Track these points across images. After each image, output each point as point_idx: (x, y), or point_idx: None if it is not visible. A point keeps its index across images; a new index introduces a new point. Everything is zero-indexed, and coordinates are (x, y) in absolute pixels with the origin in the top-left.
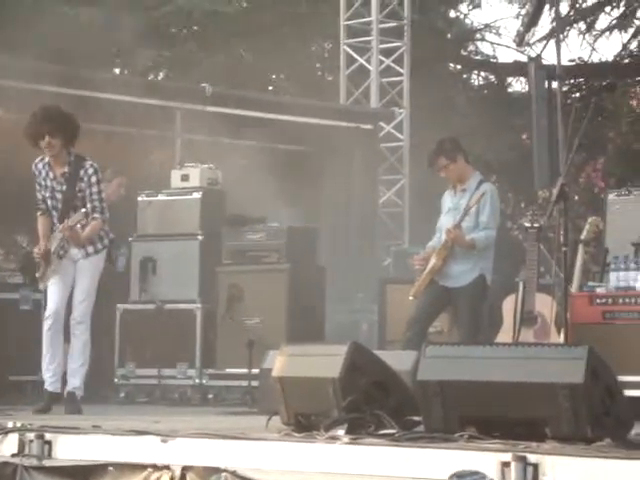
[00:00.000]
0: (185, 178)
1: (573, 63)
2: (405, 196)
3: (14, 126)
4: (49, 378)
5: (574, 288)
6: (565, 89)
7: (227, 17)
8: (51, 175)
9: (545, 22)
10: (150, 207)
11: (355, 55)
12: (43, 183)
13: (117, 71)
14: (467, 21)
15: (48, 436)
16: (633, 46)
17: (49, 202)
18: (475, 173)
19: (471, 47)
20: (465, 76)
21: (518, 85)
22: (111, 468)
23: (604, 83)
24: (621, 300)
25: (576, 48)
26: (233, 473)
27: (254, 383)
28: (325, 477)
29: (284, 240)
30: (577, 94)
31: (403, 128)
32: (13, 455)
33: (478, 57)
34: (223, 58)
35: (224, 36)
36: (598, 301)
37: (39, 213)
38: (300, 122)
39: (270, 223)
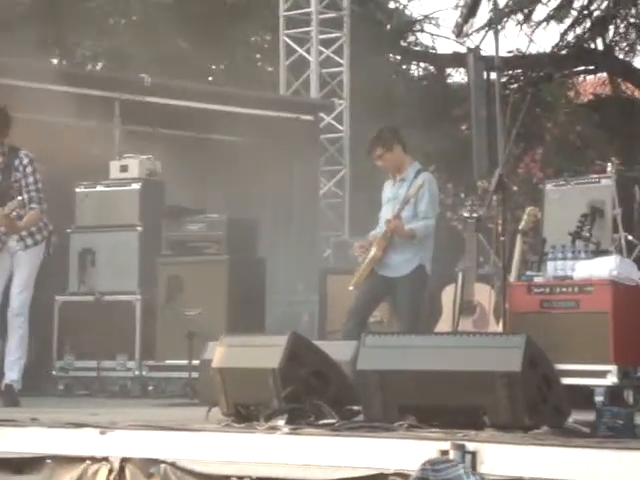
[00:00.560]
0: (124, 169)
1: (511, 54)
2: (345, 187)
3: None
4: None
5: (512, 277)
6: (503, 80)
7: (166, 7)
8: None
9: (483, 13)
10: (88, 198)
11: (295, 46)
12: None
13: (55, 61)
14: (406, 12)
15: None
16: (570, 37)
17: None
18: (413, 163)
19: (410, 38)
20: (405, 67)
21: (457, 76)
22: (49, 461)
23: (542, 74)
24: (558, 289)
25: (514, 39)
26: (172, 464)
27: (194, 374)
28: (265, 467)
29: (224, 231)
30: (515, 85)
31: (343, 119)
32: None
33: (417, 48)
34: (162, 49)
35: (163, 26)
36: (536, 290)
37: None
38: (240, 113)
39: (210, 214)
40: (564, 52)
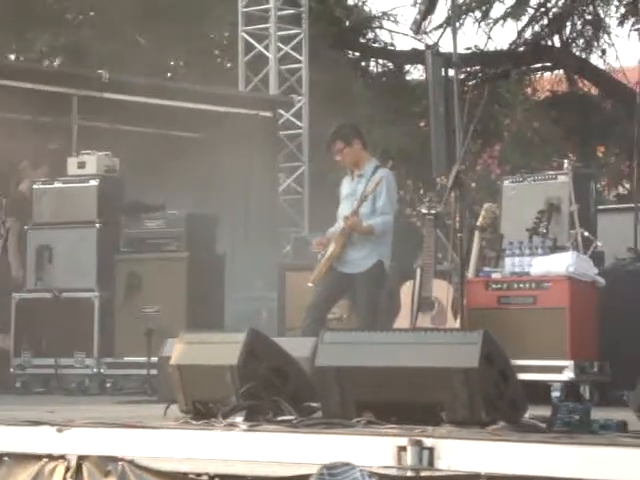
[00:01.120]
0: (82, 165)
1: (469, 51)
2: (305, 183)
3: None
4: None
5: (470, 274)
6: (462, 77)
7: (124, 3)
8: None
9: (441, 10)
10: (46, 195)
11: (254, 42)
12: None
13: (12, 57)
14: (365, 9)
15: None
16: (527, 34)
17: None
18: (372, 159)
19: (369, 35)
20: (363, 63)
21: (416, 73)
22: (6, 458)
23: (499, 71)
24: (516, 285)
25: (472, 36)
26: (130, 462)
27: (153, 371)
28: (224, 464)
29: (183, 228)
30: (473, 82)
31: (302, 115)
32: None
33: (376, 45)
34: (120, 44)
35: (121, 22)
36: (493, 286)
37: None
38: (199, 109)
39: (169, 211)
40: (521, 49)
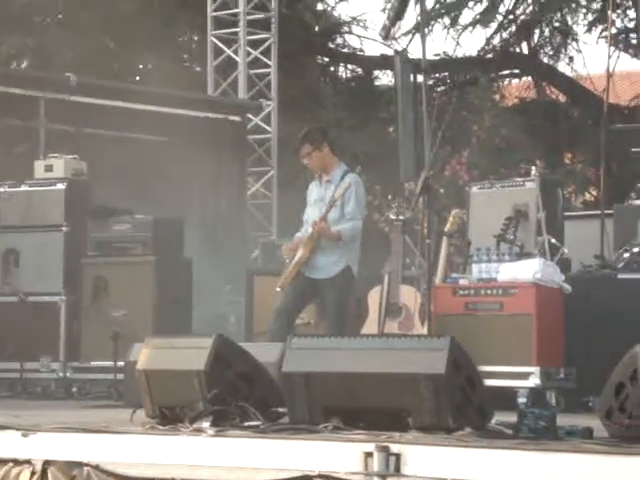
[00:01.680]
0: (49, 169)
1: (438, 57)
2: (273, 188)
3: None
4: None
5: (438, 279)
6: (430, 83)
7: (92, 5)
8: None
9: (411, 16)
10: (13, 198)
11: (223, 46)
12: None
13: None
14: (334, 14)
15: None
16: (496, 41)
17: None
18: (340, 164)
19: (338, 40)
20: (333, 69)
21: (385, 78)
22: None
23: (468, 77)
24: (483, 291)
25: (441, 42)
26: (96, 467)
27: (119, 376)
28: (190, 469)
29: (150, 232)
30: (442, 88)
31: (271, 120)
32: None
33: (345, 50)
34: (89, 47)
35: (89, 25)
36: (461, 292)
37: None
38: (167, 113)
39: (136, 215)
40: (490, 56)
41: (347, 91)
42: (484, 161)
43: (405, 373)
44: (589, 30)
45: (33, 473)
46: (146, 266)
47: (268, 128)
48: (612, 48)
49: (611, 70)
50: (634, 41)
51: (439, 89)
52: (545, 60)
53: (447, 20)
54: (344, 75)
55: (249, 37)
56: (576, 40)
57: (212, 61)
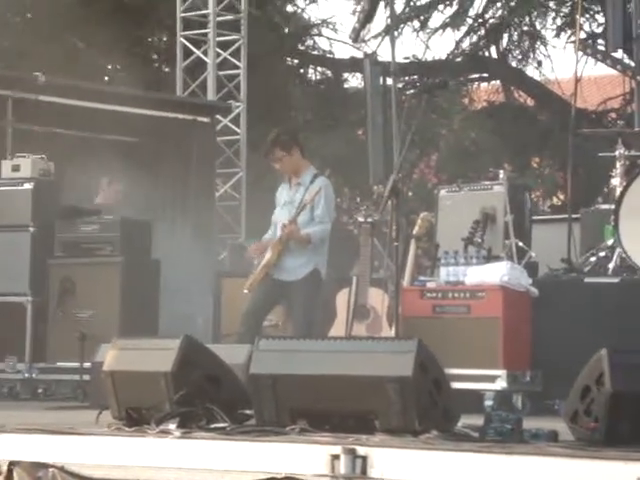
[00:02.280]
0: (16, 169)
1: (408, 60)
2: (242, 189)
3: None
4: None
5: (406, 282)
6: (400, 86)
7: (62, 5)
8: None
9: (380, 19)
10: None
11: (192, 47)
12: None
13: None
14: (304, 16)
15: None
16: (465, 45)
17: None
18: (310, 167)
19: (308, 42)
20: (302, 71)
21: (354, 81)
22: None
23: (437, 80)
24: (450, 294)
25: (411, 45)
26: (61, 468)
27: (86, 377)
28: (156, 471)
29: (118, 233)
30: (411, 91)
31: (240, 122)
32: None
33: (315, 52)
34: (57, 47)
35: (59, 25)
36: (429, 295)
37: None
38: (135, 113)
39: (104, 215)
40: (459, 59)
41: (316, 93)
42: (452, 164)
43: (372, 375)
44: (558, 35)
45: None
46: (113, 267)
47: (237, 130)
48: (580, 53)
49: (579, 75)
50: (601, 47)
51: (408, 92)
52: (514, 64)
53: (417, 23)
54: (313, 77)
55: (218, 38)
56: (545, 44)
57: (181, 62)
